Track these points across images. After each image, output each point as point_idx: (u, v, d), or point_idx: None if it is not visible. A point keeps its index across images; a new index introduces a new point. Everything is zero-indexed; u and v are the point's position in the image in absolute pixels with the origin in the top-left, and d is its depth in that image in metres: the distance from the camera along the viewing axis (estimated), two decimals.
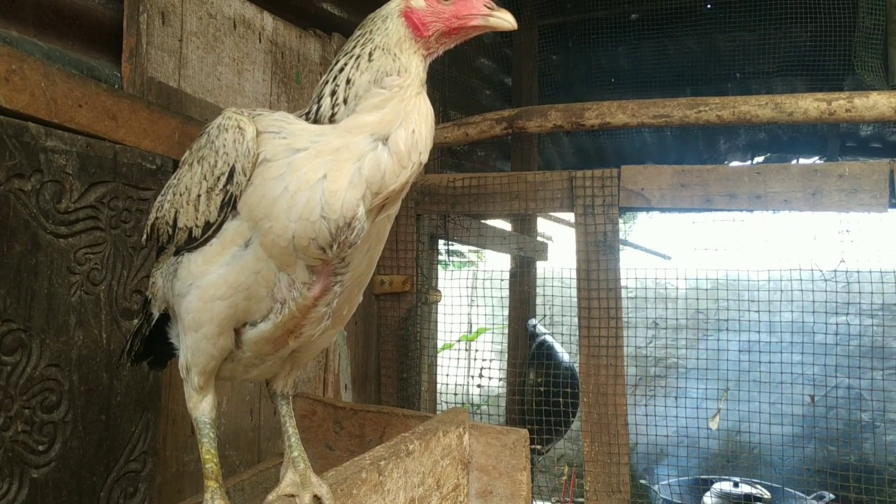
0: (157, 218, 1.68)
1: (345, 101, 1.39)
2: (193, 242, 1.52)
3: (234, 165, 1.40)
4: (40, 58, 2.08)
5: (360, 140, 1.35)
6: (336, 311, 1.56)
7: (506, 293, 5.58)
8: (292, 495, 1.60)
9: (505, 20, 1.47)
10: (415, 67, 1.43)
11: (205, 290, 1.50)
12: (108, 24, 2.46)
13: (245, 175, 1.39)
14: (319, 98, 1.43)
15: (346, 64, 1.43)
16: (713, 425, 4.55)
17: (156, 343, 1.81)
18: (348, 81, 1.41)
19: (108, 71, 2.45)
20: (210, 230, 1.47)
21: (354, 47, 1.46)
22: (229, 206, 1.43)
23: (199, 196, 1.48)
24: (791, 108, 3.04)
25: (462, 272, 7.27)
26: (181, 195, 1.55)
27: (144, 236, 1.77)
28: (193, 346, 1.56)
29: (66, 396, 2.08)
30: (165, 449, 2.55)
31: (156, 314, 1.73)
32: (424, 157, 1.41)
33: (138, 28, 2.49)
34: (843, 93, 3.07)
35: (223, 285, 1.48)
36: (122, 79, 2.45)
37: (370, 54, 1.42)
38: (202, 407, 1.63)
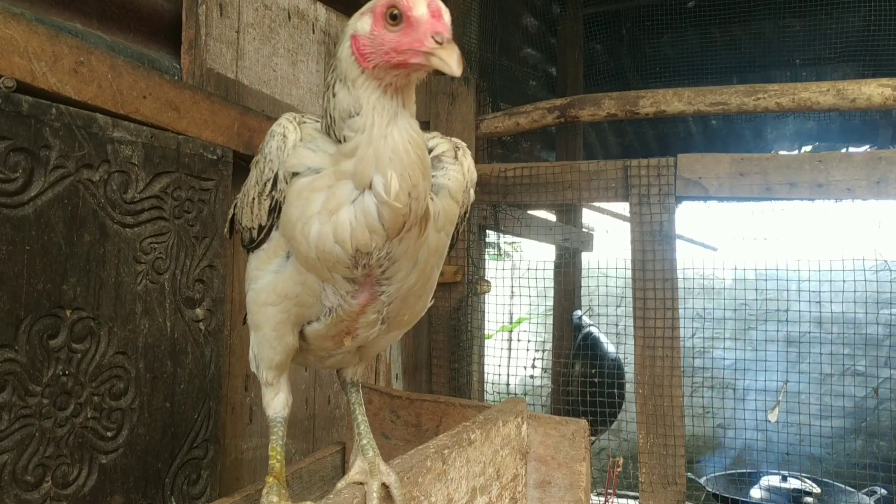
0: (233, 214, 1.70)
1: (333, 132, 1.33)
2: (253, 243, 1.54)
3: (277, 173, 1.39)
4: (105, 50, 2.11)
5: (343, 187, 1.29)
6: (395, 317, 1.55)
7: (546, 284, 5.55)
8: (361, 483, 1.59)
9: (448, 63, 1.20)
10: (369, 104, 1.26)
11: (258, 293, 1.52)
12: (168, 17, 2.49)
13: (286, 183, 1.38)
14: (324, 112, 1.37)
15: (326, 89, 1.35)
16: (772, 417, 4.48)
17: None
18: (329, 114, 1.33)
19: (168, 63, 2.48)
20: (263, 233, 1.49)
21: (330, 71, 1.35)
22: (275, 211, 1.43)
23: (253, 199, 1.49)
24: (854, 94, 2.97)
25: (505, 263, 7.24)
26: (244, 196, 1.58)
27: (226, 229, 1.80)
28: (258, 341, 1.59)
29: (133, 384, 2.11)
30: (225, 437, 2.58)
31: None
32: (420, 189, 1.29)
33: (197, 20, 2.51)
34: None
35: (272, 293, 1.49)
36: (182, 70, 2.48)
37: (334, 87, 1.31)
38: (274, 405, 1.64)
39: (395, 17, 1.24)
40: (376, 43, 1.25)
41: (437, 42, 1.21)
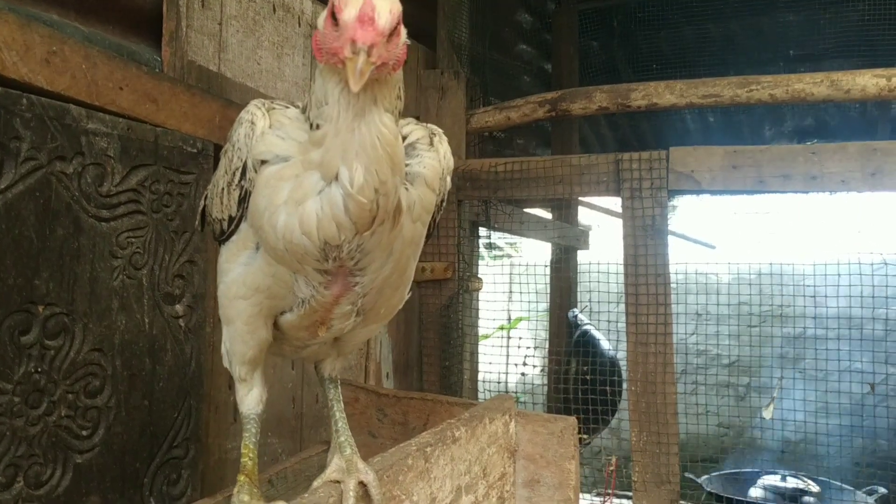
0: (204, 206, 1.66)
1: (309, 117, 1.28)
2: (223, 235, 1.51)
3: (245, 161, 1.36)
4: (79, 40, 2.07)
5: (311, 177, 1.25)
6: (371, 309, 1.51)
7: (543, 282, 5.51)
8: (338, 481, 1.54)
9: (350, 77, 1.13)
10: (334, 95, 1.21)
11: (228, 286, 1.49)
12: (148, 8, 2.44)
13: (255, 171, 1.34)
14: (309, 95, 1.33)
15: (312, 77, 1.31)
16: (766, 414, 4.44)
17: None
18: (310, 97, 1.28)
19: (149, 55, 2.43)
20: (233, 224, 1.45)
21: None
22: (245, 202, 1.39)
23: (223, 189, 1.45)
24: (848, 84, 2.92)
25: (501, 261, 7.21)
26: (214, 186, 1.54)
27: (197, 222, 1.76)
28: (230, 336, 1.56)
29: (110, 381, 2.06)
30: (208, 436, 2.53)
31: None
32: (389, 186, 1.24)
33: (178, 11, 2.47)
34: None
35: (242, 286, 1.46)
36: (163, 63, 2.44)
37: (316, 72, 1.27)
38: (247, 401, 1.61)
39: (336, 17, 1.18)
40: (322, 40, 1.21)
41: (353, 52, 1.13)
